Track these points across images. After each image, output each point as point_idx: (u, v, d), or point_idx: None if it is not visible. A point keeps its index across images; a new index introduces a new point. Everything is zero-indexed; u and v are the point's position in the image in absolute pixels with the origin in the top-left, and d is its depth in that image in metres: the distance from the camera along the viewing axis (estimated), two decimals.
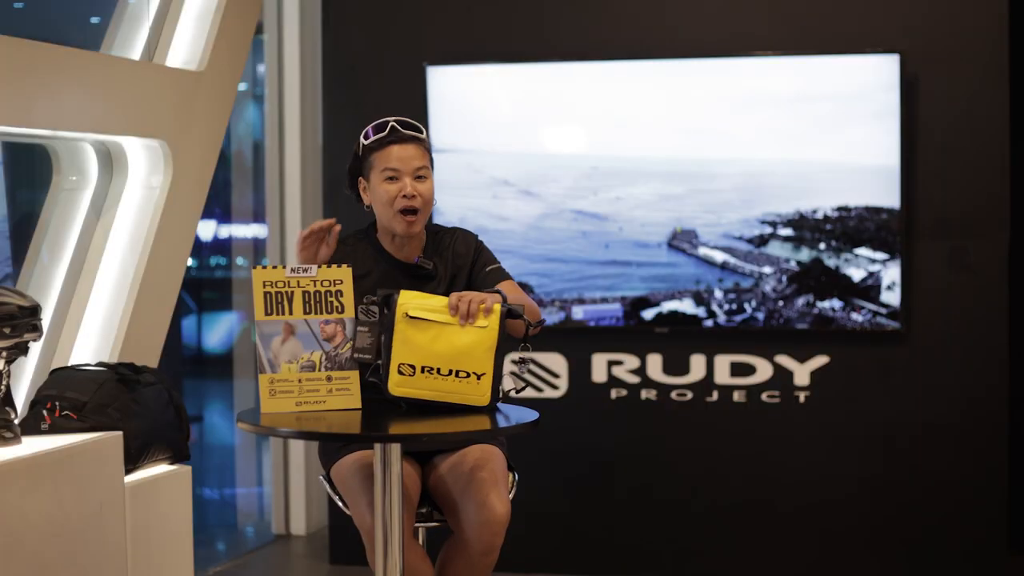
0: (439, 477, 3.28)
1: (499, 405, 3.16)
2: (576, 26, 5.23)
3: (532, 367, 5.27)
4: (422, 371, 3.04)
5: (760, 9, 5.12)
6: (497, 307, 3.07)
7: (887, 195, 4.95)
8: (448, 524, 3.27)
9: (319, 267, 3.15)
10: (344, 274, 3.15)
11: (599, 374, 5.24)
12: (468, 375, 3.04)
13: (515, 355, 3.15)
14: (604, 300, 5.20)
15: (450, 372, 3.04)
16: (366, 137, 3.34)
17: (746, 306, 5.10)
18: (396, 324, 3.06)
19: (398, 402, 3.09)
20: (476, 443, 3.31)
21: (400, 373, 3.05)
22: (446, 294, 3.29)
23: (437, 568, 3.27)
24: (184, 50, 4.32)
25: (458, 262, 3.37)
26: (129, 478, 3.36)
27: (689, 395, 5.18)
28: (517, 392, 3.16)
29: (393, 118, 3.33)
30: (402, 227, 3.30)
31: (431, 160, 3.36)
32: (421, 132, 3.34)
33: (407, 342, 3.05)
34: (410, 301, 3.08)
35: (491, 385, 3.06)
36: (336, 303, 3.14)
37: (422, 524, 3.28)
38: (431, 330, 3.05)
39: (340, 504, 3.34)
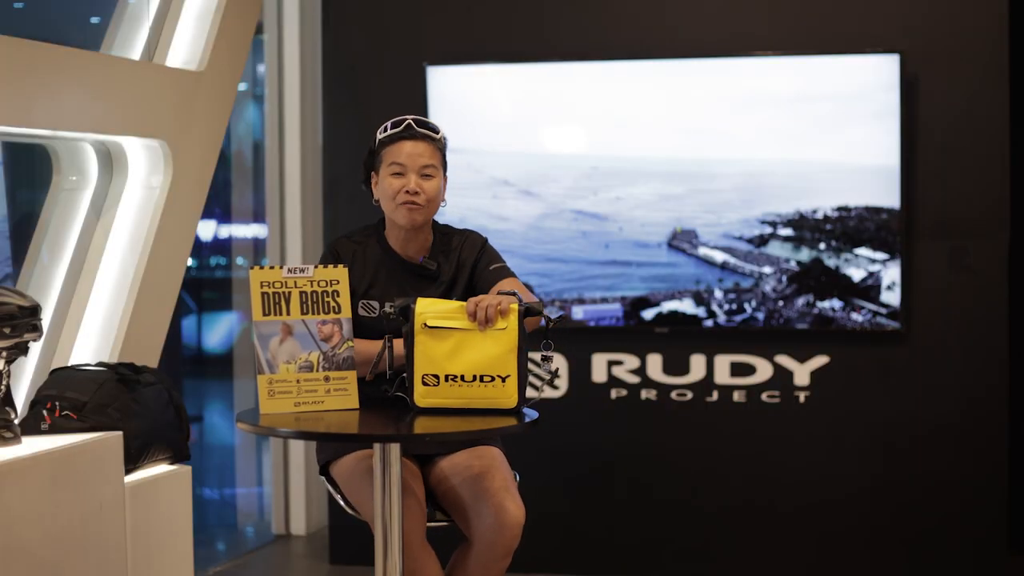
0: (443, 479, 3.28)
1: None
2: (576, 26, 5.23)
3: (532, 367, 5.26)
4: (446, 380, 3.03)
5: (760, 9, 5.12)
6: (514, 307, 3.05)
7: (887, 195, 4.95)
8: (457, 526, 3.27)
9: (315, 267, 3.15)
10: (340, 274, 3.15)
11: (599, 374, 5.24)
12: (493, 379, 3.03)
13: (538, 354, 3.12)
14: (604, 300, 5.20)
15: (475, 378, 3.02)
16: (382, 131, 3.36)
17: (746, 306, 5.10)
18: (416, 335, 3.04)
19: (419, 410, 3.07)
20: (476, 442, 3.31)
21: (425, 384, 3.04)
22: (446, 296, 3.30)
23: (447, 573, 3.27)
24: (184, 50, 4.32)
25: (462, 264, 3.38)
26: (129, 478, 3.36)
27: (689, 395, 5.18)
28: (540, 389, 3.14)
29: (410, 116, 3.36)
30: (403, 218, 3.30)
31: (444, 161, 3.37)
32: (437, 132, 3.35)
33: (428, 353, 3.03)
34: (427, 310, 3.06)
35: (517, 386, 3.04)
36: (333, 303, 3.14)
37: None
38: (451, 338, 3.03)
39: (340, 501, 3.34)
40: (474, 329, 3.03)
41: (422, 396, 3.05)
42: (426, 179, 3.30)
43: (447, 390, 3.03)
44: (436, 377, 3.03)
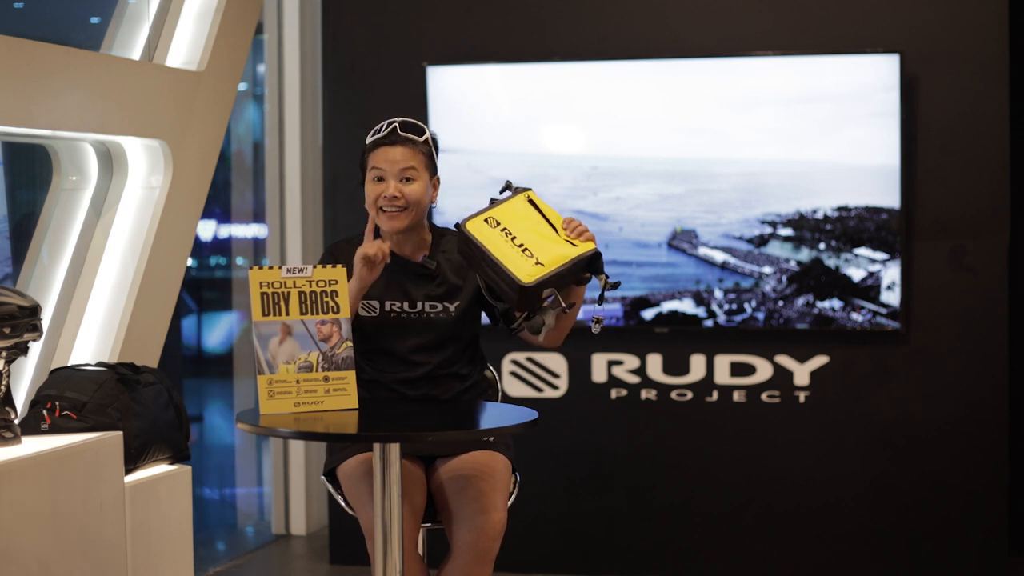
0: (439, 482, 3.27)
1: (499, 403, 3.14)
2: (576, 26, 5.23)
3: (532, 367, 5.28)
4: (500, 229, 3.14)
5: (760, 9, 5.12)
6: (593, 245, 3.17)
7: (887, 195, 4.95)
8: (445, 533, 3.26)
9: (314, 267, 3.16)
10: (339, 274, 3.16)
11: (599, 374, 5.24)
12: (532, 255, 3.11)
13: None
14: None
15: (520, 245, 3.12)
16: (370, 136, 3.37)
17: (746, 306, 5.10)
18: (514, 197, 3.22)
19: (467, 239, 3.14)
20: (480, 446, 3.30)
21: (485, 222, 3.16)
22: (449, 296, 3.30)
23: None
24: (184, 50, 4.33)
25: (464, 268, 3.33)
26: (129, 478, 3.36)
27: (689, 395, 5.19)
28: (597, 325, 3.20)
29: (398, 119, 3.35)
30: (385, 224, 3.32)
31: (431, 162, 3.35)
32: (420, 134, 3.33)
33: (509, 210, 3.18)
34: (537, 197, 3.24)
35: (543, 275, 3.10)
36: (332, 303, 3.14)
37: (424, 524, 3.27)
38: (534, 218, 3.18)
39: (342, 503, 3.34)
40: (560, 231, 3.17)
41: (472, 227, 3.15)
42: (407, 183, 3.30)
43: (493, 234, 3.14)
44: (498, 223, 3.16)
